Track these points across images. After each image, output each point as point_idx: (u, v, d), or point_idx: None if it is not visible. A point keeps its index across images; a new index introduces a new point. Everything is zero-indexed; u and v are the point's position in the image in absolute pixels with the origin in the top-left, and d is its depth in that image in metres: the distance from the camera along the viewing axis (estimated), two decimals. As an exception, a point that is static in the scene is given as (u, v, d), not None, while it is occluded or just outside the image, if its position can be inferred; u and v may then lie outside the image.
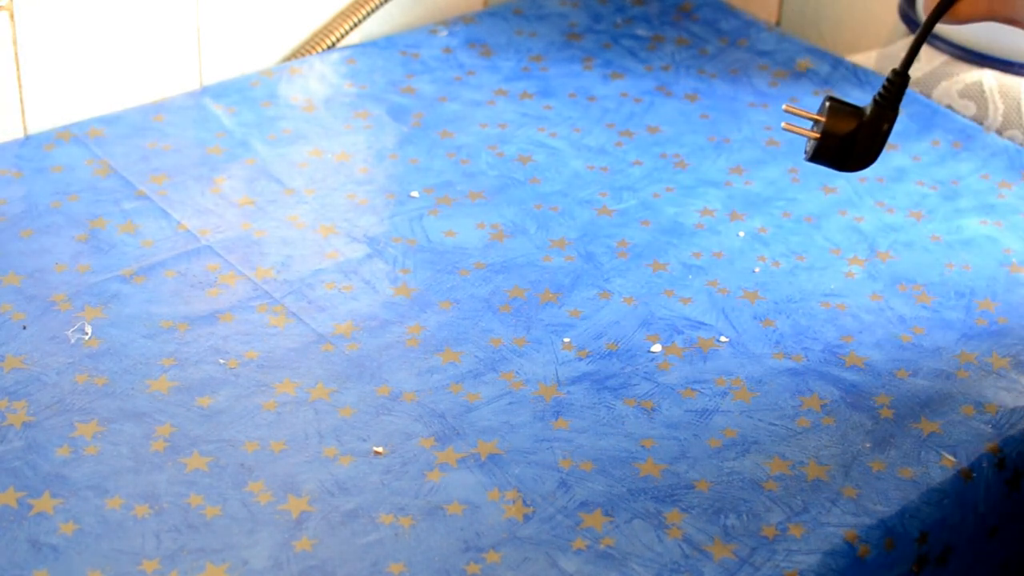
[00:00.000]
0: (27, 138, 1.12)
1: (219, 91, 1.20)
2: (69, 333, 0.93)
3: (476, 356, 0.94)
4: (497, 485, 0.84)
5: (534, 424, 0.88)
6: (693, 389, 0.92)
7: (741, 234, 1.06)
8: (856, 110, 0.87)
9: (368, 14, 1.27)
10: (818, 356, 0.95)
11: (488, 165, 1.13)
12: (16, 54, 1.11)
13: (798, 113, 0.88)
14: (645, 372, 0.93)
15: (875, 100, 0.87)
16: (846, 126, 0.87)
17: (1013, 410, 0.91)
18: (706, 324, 0.97)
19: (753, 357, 0.95)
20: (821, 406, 0.91)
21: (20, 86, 1.12)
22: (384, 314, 0.97)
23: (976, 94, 1.22)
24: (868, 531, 0.83)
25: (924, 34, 0.85)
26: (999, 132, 1.21)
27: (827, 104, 0.87)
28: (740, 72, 1.27)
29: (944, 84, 1.24)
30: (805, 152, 0.89)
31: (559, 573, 0.79)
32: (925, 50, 1.25)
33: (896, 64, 0.87)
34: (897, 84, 0.86)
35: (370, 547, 0.80)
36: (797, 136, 0.86)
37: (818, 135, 0.87)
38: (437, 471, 0.85)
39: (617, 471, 0.85)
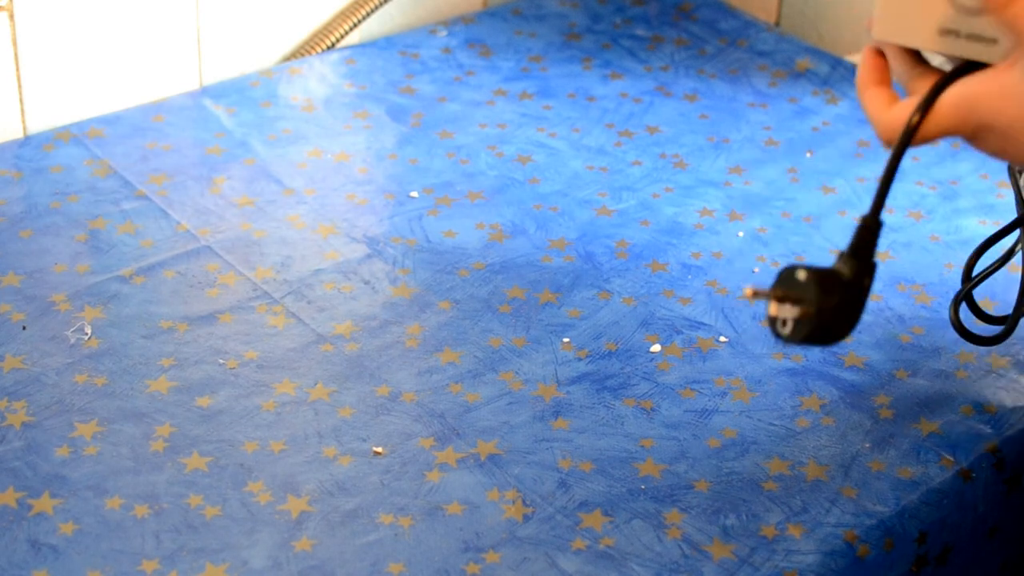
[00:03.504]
0: (27, 138, 1.12)
1: (219, 91, 1.20)
2: (69, 333, 0.93)
3: (475, 356, 0.94)
4: (497, 485, 0.84)
5: (534, 424, 0.88)
6: (692, 389, 0.92)
7: (740, 234, 1.06)
8: (833, 275, 0.74)
9: (368, 14, 1.27)
10: (817, 356, 0.95)
11: (488, 165, 1.13)
12: (16, 54, 1.11)
13: (767, 295, 0.74)
14: (644, 372, 0.93)
15: (851, 256, 0.74)
16: (833, 298, 0.74)
17: (1012, 410, 0.91)
18: (705, 324, 0.97)
19: (752, 357, 0.95)
20: (820, 406, 0.91)
21: (20, 86, 1.12)
22: (384, 314, 0.97)
23: (975, 94, 1.22)
24: (867, 531, 0.83)
25: (889, 178, 0.76)
26: (998, 132, 1.20)
27: (806, 277, 0.73)
28: (739, 72, 1.27)
29: (943, 84, 1.24)
30: (786, 336, 0.74)
31: (559, 573, 0.79)
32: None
33: None
34: (873, 231, 0.75)
35: (370, 547, 0.80)
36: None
37: (810, 312, 0.73)
38: (437, 471, 0.85)
39: (617, 471, 0.85)
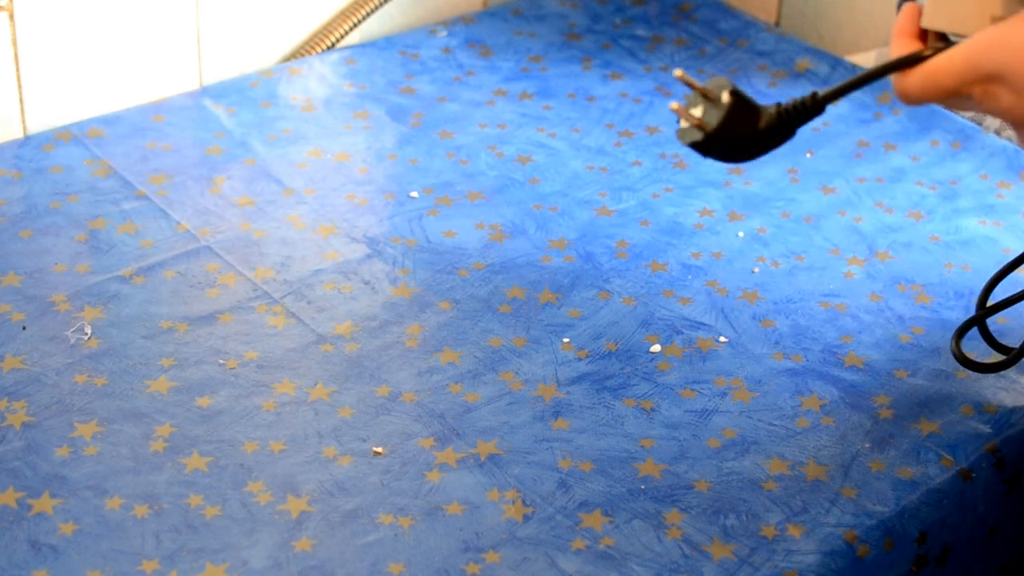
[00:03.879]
0: (26, 138, 1.12)
1: (219, 91, 1.20)
2: (69, 333, 0.93)
3: (475, 356, 0.94)
4: (497, 485, 0.84)
5: (533, 424, 0.88)
6: (692, 389, 0.92)
7: (740, 234, 1.06)
8: (749, 118, 0.76)
9: (368, 14, 1.27)
10: (817, 356, 0.95)
11: (487, 165, 1.13)
12: (16, 54, 1.11)
13: (692, 84, 0.77)
14: (644, 372, 0.93)
15: (779, 112, 0.77)
16: (741, 131, 0.76)
17: (1012, 410, 0.91)
18: (705, 324, 0.97)
19: (752, 357, 0.95)
20: (820, 406, 0.91)
21: (20, 86, 1.12)
22: (383, 314, 0.97)
23: (975, 94, 1.22)
24: (867, 531, 0.83)
25: (859, 82, 0.77)
26: (998, 132, 1.21)
27: (728, 100, 0.76)
28: (739, 72, 1.27)
29: (943, 84, 1.24)
30: (679, 130, 0.78)
31: (559, 573, 0.79)
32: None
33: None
34: (810, 110, 0.77)
35: (370, 547, 0.80)
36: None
37: (706, 130, 0.76)
38: (437, 471, 0.85)
39: (617, 471, 0.85)
